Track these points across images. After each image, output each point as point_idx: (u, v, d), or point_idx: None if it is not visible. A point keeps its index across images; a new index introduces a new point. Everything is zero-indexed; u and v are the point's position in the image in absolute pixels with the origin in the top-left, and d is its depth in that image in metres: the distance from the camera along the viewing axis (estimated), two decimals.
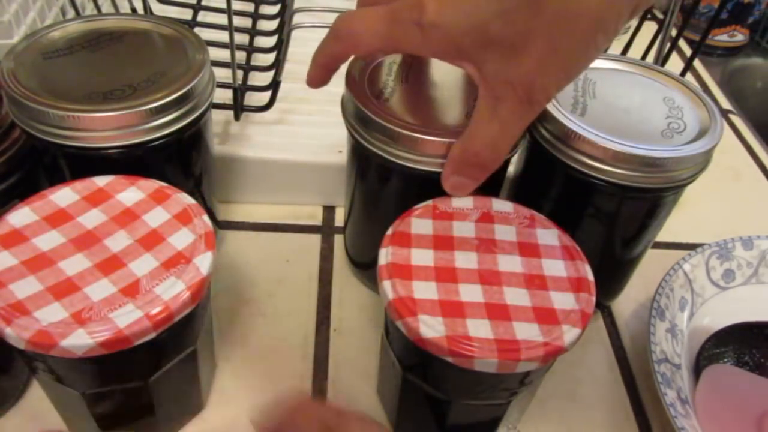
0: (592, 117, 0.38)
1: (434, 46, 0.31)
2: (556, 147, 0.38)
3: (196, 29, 0.58)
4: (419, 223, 0.33)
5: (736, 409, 0.40)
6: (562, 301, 0.31)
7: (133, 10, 0.59)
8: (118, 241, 0.31)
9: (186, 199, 0.34)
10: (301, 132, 0.52)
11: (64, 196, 0.33)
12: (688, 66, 0.51)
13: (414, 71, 0.40)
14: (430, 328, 0.28)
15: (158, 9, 0.61)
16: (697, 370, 0.42)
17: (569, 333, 0.29)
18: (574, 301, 0.31)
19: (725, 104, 0.71)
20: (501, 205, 0.35)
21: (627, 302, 0.48)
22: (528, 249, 0.33)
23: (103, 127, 0.34)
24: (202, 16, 0.62)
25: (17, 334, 0.27)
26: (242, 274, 0.47)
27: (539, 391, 0.41)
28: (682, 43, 0.80)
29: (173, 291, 0.29)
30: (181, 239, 0.32)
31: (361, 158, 0.40)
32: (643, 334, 0.45)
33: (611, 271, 0.44)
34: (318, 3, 0.58)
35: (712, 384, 0.41)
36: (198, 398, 0.38)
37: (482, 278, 0.31)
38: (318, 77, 0.36)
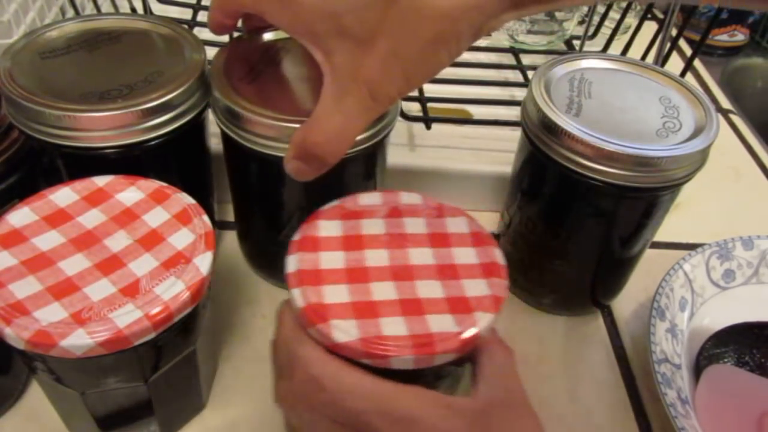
0: (587, 117, 0.38)
1: (290, 22, 0.30)
2: (551, 147, 0.38)
3: (196, 29, 0.58)
4: (326, 225, 0.33)
5: (736, 409, 0.40)
6: (475, 288, 0.30)
7: (133, 9, 0.59)
8: (117, 241, 0.31)
9: (186, 199, 0.34)
10: None
11: (63, 196, 0.33)
12: (688, 66, 0.51)
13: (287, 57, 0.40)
14: (343, 332, 0.28)
15: (158, 9, 0.61)
16: (697, 370, 0.42)
17: (483, 319, 0.29)
18: (487, 286, 0.31)
19: (725, 104, 0.71)
20: (409, 197, 0.35)
21: (627, 302, 0.48)
22: (438, 239, 0.33)
23: (100, 127, 0.34)
24: (202, 16, 0.62)
25: (17, 334, 0.27)
26: (242, 274, 0.47)
27: (539, 390, 0.41)
28: (682, 42, 0.80)
29: (173, 291, 0.29)
30: (180, 239, 0.32)
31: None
32: (643, 334, 0.45)
33: (610, 271, 0.44)
34: None
35: (712, 384, 0.41)
36: (198, 398, 0.38)
37: (394, 275, 0.31)
38: (216, 23, 0.36)
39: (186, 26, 0.41)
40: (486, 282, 0.31)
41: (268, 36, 0.41)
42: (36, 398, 0.38)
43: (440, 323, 0.29)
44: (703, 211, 0.57)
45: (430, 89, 0.56)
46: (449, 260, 0.32)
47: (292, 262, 0.31)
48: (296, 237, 0.32)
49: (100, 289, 0.29)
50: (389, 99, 0.30)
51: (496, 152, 0.52)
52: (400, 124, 0.39)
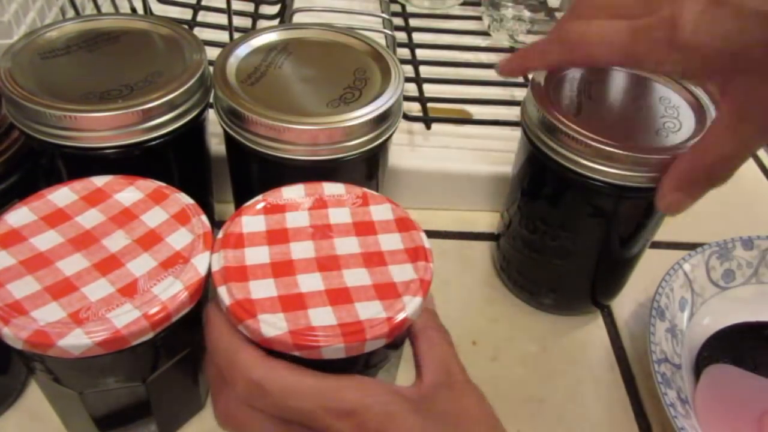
0: (587, 117, 0.38)
1: (682, 64, 0.31)
2: (550, 147, 0.38)
3: (196, 29, 0.58)
4: (250, 221, 0.33)
5: (736, 409, 0.40)
6: (401, 273, 0.31)
7: (133, 10, 0.59)
8: (116, 241, 0.31)
9: (184, 199, 0.34)
10: None
11: (62, 195, 0.33)
12: None
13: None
14: (272, 326, 0.28)
15: (158, 9, 0.61)
16: (697, 370, 0.42)
17: (411, 303, 0.29)
18: (413, 271, 0.31)
19: None
20: (333, 188, 0.35)
21: (627, 302, 0.48)
22: (363, 228, 0.33)
23: (100, 127, 0.34)
24: (202, 16, 0.62)
25: (15, 334, 0.27)
26: None
27: (539, 390, 0.41)
28: None
29: (171, 291, 0.29)
30: (179, 239, 0.32)
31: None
32: (643, 334, 0.45)
33: (609, 271, 0.44)
34: (318, 3, 0.58)
35: (712, 384, 0.41)
36: (197, 398, 0.38)
37: (320, 265, 0.31)
38: (515, 70, 0.38)
39: (186, 26, 0.41)
40: (412, 266, 0.31)
41: (271, 37, 0.41)
42: (35, 398, 0.38)
43: (369, 310, 0.29)
44: (703, 211, 0.57)
45: (430, 89, 0.56)
46: (375, 247, 0.32)
47: (216, 260, 0.31)
48: (219, 235, 0.32)
49: (99, 289, 0.29)
50: None
51: (496, 152, 0.52)
52: (400, 124, 0.40)
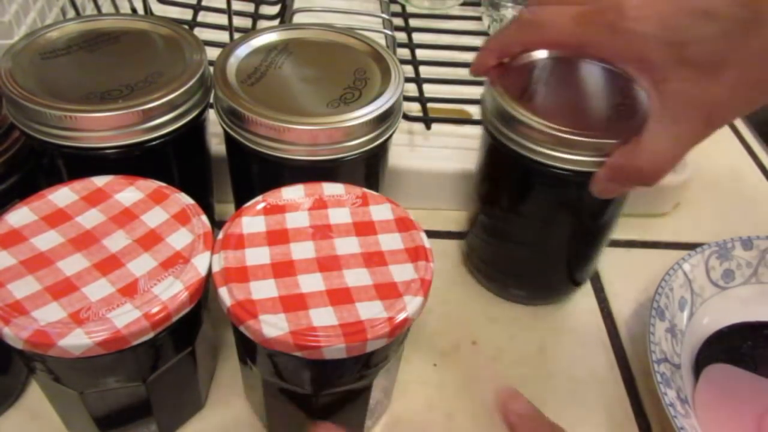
0: (542, 104, 0.38)
1: (620, 51, 0.31)
2: (503, 133, 0.38)
3: (196, 29, 0.58)
4: (251, 221, 0.33)
5: (735, 408, 0.40)
6: (402, 273, 0.31)
7: (134, 10, 0.59)
8: (116, 241, 0.31)
9: (185, 199, 0.34)
10: None
11: (62, 195, 0.33)
12: None
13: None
14: (273, 326, 0.28)
15: (158, 9, 0.61)
16: (696, 370, 0.42)
17: (412, 303, 0.29)
18: (413, 270, 0.31)
19: None
20: (332, 188, 0.35)
21: (627, 302, 0.48)
22: (364, 228, 0.33)
23: (101, 127, 0.34)
24: (202, 17, 0.62)
25: (15, 334, 0.27)
26: None
27: (539, 391, 0.41)
28: None
29: (171, 291, 0.29)
30: (179, 239, 0.32)
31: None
32: (642, 334, 0.45)
33: (576, 255, 0.45)
34: (318, 3, 0.58)
35: (712, 384, 0.41)
36: (197, 398, 0.38)
37: (321, 266, 0.31)
38: (484, 63, 0.38)
39: (186, 26, 0.41)
40: (412, 266, 0.31)
41: (271, 37, 0.42)
42: (35, 398, 0.38)
43: (370, 310, 0.29)
44: (703, 211, 0.57)
45: (430, 89, 0.56)
46: (375, 247, 0.32)
47: (217, 261, 0.31)
48: (220, 236, 0.32)
49: (99, 289, 0.29)
50: (723, 124, 0.31)
51: None
52: (400, 124, 0.40)
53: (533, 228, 0.42)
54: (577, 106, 0.38)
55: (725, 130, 0.67)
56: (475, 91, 0.57)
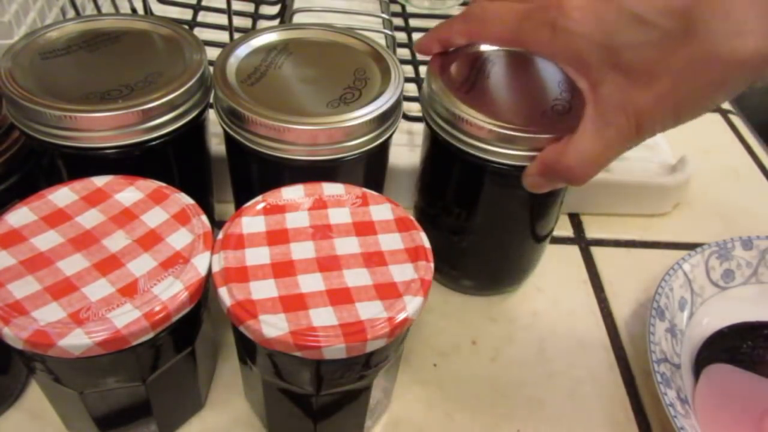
0: (478, 96, 0.38)
1: (559, 50, 0.32)
2: (442, 128, 0.38)
3: (196, 29, 0.58)
4: (250, 221, 0.33)
5: (735, 409, 0.40)
6: (402, 273, 0.31)
7: (133, 10, 0.59)
8: (116, 241, 0.31)
9: (184, 199, 0.34)
10: None
11: (62, 196, 0.33)
12: None
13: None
14: (273, 326, 0.28)
15: (158, 9, 0.61)
16: (696, 370, 0.42)
17: (412, 303, 0.29)
18: (413, 271, 0.31)
19: (725, 104, 0.71)
20: (332, 188, 0.35)
21: (626, 302, 0.48)
22: (363, 228, 0.33)
23: (100, 127, 0.34)
24: (202, 17, 0.62)
25: (15, 334, 0.27)
26: None
27: (539, 391, 0.41)
28: None
29: (171, 291, 0.29)
30: (179, 239, 0.32)
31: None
32: (642, 334, 0.45)
33: (516, 246, 0.45)
34: (318, 3, 0.58)
35: (712, 384, 0.41)
36: (197, 398, 0.38)
37: (321, 266, 0.31)
38: (427, 46, 0.38)
39: (186, 26, 0.41)
40: (412, 266, 0.31)
41: (271, 37, 0.42)
42: (35, 398, 0.38)
43: (370, 310, 0.29)
44: (703, 211, 0.57)
45: None
46: (375, 247, 0.32)
47: (217, 261, 0.31)
48: (219, 236, 0.32)
49: (99, 289, 0.29)
50: (653, 133, 0.31)
51: None
52: (400, 124, 0.40)
53: (474, 220, 0.42)
54: (518, 100, 0.38)
55: (725, 130, 0.67)
56: None
